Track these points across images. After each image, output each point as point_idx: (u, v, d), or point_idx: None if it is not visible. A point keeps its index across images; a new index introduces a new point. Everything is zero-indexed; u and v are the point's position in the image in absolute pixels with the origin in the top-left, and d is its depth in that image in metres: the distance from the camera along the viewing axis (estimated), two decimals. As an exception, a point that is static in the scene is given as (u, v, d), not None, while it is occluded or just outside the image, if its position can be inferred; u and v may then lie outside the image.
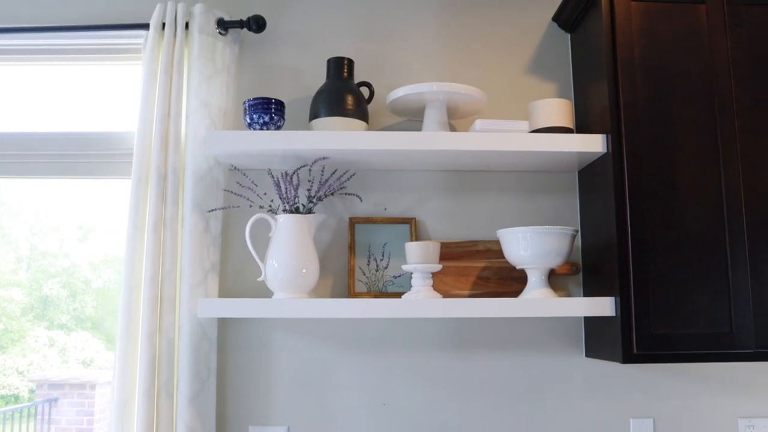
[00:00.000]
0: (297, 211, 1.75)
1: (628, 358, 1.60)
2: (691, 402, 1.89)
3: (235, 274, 1.90)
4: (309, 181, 1.83)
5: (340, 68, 1.84)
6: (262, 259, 1.75)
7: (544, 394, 1.89)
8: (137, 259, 1.76)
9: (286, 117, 1.88)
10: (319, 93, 1.82)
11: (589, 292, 1.87)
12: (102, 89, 2.16)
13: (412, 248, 1.73)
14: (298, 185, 1.77)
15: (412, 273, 1.75)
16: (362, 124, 1.81)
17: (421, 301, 1.66)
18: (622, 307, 1.61)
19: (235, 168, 1.87)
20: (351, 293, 1.86)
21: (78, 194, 2.35)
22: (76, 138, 2.00)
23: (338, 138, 1.71)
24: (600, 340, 1.78)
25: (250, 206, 1.89)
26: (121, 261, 1.79)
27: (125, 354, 1.72)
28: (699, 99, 1.68)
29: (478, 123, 1.76)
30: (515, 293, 1.85)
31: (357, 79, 1.92)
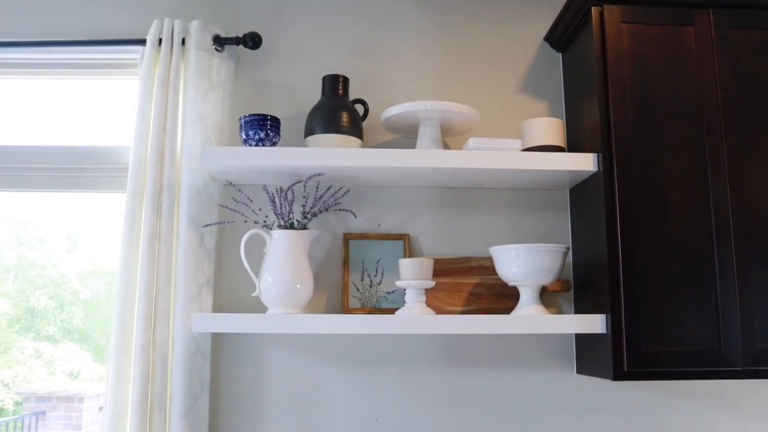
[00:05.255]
0: (292, 226, 1.76)
1: (618, 375, 1.61)
2: (681, 419, 1.90)
3: (230, 289, 1.90)
4: (304, 197, 1.85)
5: (335, 86, 1.86)
6: (257, 274, 1.75)
7: (536, 411, 1.89)
8: (132, 273, 1.76)
9: (281, 133, 1.90)
10: (315, 110, 1.83)
11: (580, 309, 1.89)
12: (98, 104, 2.16)
13: (406, 264, 1.74)
14: (292, 201, 1.78)
15: (405, 289, 1.77)
16: (357, 141, 1.82)
17: (415, 317, 1.67)
18: (613, 324, 1.62)
19: (231, 183, 1.88)
20: (345, 309, 1.86)
21: (67, 204, 2.36)
22: (72, 152, 2.00)
23: (333, 155, 1.72)
24: (591, 357, 1.79)
25: (245, 221, 1.90)
26: (111, 272, 1.79)
27: (119, 367, 1.71)
28: (687, 119, 1.71)
29: (471, 141, 1.78)
30: (507, 310, 1.86)
31: (352, 97, 1.94)
